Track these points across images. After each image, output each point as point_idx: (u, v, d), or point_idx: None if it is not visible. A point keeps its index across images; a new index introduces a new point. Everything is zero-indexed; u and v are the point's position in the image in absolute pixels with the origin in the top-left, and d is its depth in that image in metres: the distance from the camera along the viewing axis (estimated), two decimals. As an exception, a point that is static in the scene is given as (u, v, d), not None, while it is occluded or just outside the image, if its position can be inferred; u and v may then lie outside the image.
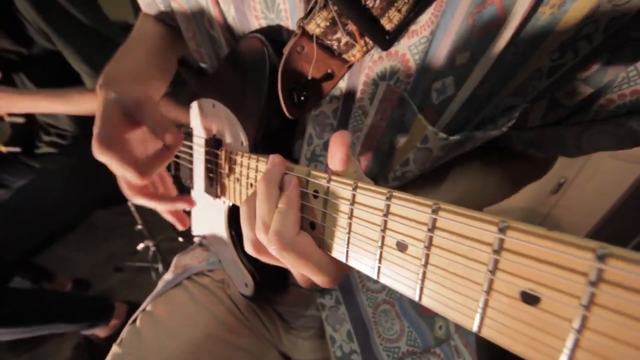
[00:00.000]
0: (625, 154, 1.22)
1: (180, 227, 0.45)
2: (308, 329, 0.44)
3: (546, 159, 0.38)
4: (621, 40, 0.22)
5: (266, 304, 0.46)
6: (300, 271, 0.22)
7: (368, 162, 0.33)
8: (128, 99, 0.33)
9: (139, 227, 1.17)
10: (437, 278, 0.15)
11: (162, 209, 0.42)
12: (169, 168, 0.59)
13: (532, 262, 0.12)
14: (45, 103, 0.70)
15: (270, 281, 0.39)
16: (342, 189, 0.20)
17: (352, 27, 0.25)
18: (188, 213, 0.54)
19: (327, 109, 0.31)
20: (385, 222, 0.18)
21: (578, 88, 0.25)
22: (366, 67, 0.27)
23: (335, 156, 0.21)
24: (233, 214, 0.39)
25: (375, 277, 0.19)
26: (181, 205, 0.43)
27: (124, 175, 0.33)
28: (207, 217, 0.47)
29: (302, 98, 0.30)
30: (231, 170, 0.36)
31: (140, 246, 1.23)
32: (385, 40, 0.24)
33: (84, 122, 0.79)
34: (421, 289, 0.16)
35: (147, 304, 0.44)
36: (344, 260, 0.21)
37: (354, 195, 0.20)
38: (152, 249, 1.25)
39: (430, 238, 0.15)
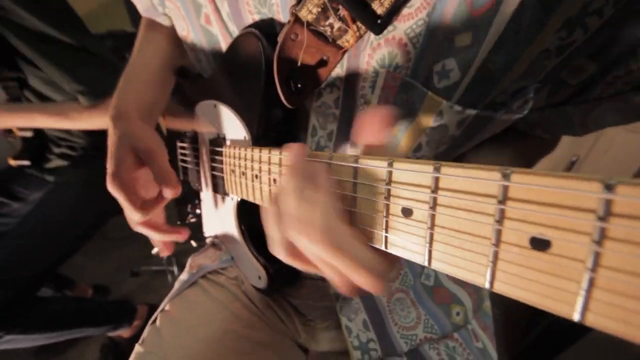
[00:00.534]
0: (638, 126, 1.19)
1: (164, 254, 0.47)
2: (324, 320, 0.44)
3: (553, 137, 0.38)
4: (628, 12, 0.21)
5: (280, 298, 0.46)
6: (348, 272, 0.18)
7: None
8: (141, 145, 0.37)
9: (156, 250, 1.20)
10: (444, 239, 0.16)
11: (158, 239, 0.44)
12: (177, 174, 0.60)
13: (538, 207, 0.12)
14: (42, 119, 0.70)
15: (283, 273, 0.40)
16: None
17: (343, 12, 0.25)
18: (199, 216, 0.55)
19: (328, 99, 0.31)
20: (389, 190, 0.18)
21: (583, 65, 0.25)
22: (366, 54, 0.27)
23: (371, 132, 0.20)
24: (242, 209, 0.40)
25: (383, 248, 0.19)
26: (176, 238, 0.44)
27: (129, 212, 0.38)
28: (217, 217, 0.48)
29: (299, 85, 0.31)
30: (235, 165, 0.36)
31: (154, 250, 1.25)
32: (377, 24, 0.24)
33: (93, 134, 0.81)
34: (430, 252, 0.16)
35: (165, 304, 0.46)
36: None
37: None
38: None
39: (435, 199, 0.15)
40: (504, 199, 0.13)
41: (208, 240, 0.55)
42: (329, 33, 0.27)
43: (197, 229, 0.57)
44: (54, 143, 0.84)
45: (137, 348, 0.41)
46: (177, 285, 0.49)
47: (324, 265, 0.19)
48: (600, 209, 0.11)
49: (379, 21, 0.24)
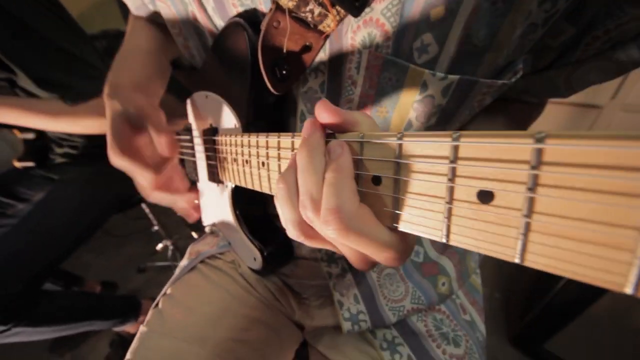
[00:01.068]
0: (636, 106, 1.20)
1: (194, 218, 0.48)
2: (318, 297, 0.46)
3: (542, 100, 0.39)
4: None
5: (276, 278, 0.48)
6: (364, 251, 0.18)
7: None
8: (132, 108, 0.37)
9: (156, 228, 1.22)
10: (410, 202, 0.17)
11: (178, 201, 0.45)
12: None
13: (483, 162, 0.14)
14: (24, 115, 0.68)
15: (277, 255, 0.41)
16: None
17: None
18: (197, 207, 0.57)
19: (314, 84, 0.32)
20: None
21: (561, 27, 0.26)
22: (348, 37, 0.28)
23: (325, 117, 0.20)
24: (236, 195, 0.41)
25: None
26: (194, 196, 0.46)
27: (140, 175, 0.37)
28: (214, 205, 0.49)
29: (285, 72, 0.32)
30: (227, 153, 0.38)
31: (159, 246, 1.29)
32: (355, 7, 0.25)
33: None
34: (398, 215, 0.18)
35: (166, 289, 0.48)
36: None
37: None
38: (171, 247, 1.31)
39: (398, 165, 0.17)
40: (454, 158, 0.14)
41: (207, 229, 0.57)
42: (310, 19, 0.28)
43: (197, 221, 0.58)
44: (55, 143, 0.86)
45: (141, 329, 0.43)
46: (177, 271, 0.51)
47: (338, 243, 0.19)
48: (533, 157, 0.12)
49: (357, 3, 0.25)
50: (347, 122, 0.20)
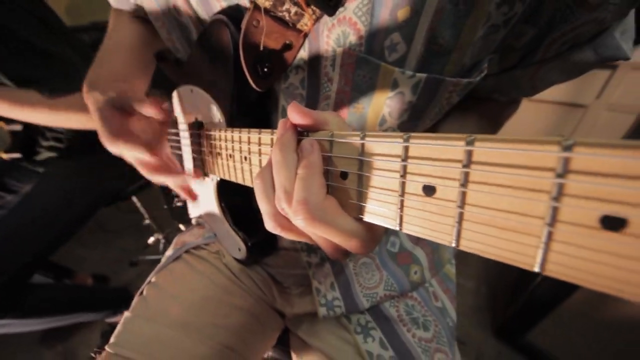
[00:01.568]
0: (620, 105, 1.23)
1: (192, 200, 0.49)
2: (298, 286, 0.48)
3: (512, 99, 0.40)
4: None
5: (259, 268, 0.50)
6: (332, 240, 0.20)
7: None
8: (113, 95, 0.38)
9: (147, 222, 1.23)
10: (369, 195, 0.18)
11: (175, 182, 0.46)
12: None
13: (428, 161, 0.15)
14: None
15: (261, 246, 0.43)
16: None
17: None
18: (184, 201, 0.58)
19: (294, 80, 0.33)
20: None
21: (523, 29, 0.28)
22: (324, 35, 0.28)
23: (296, 118, 0.21)
24: (221, 188, 0.43)
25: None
26: (190, 179, 0.47)
27: (137, 156, 0.39)
28: (200, 197, 0.50)
29: (266, 69, 0.33)
30: (212, 147, 0.38)
31: (151, 240, 1.29)
32: (329, 6, 0.26)
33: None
34: (362, 207, 0.19)
35: (151, 277, 0.49)
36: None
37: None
38: (162, 241, 1.31)
39: (361, 161, 0.18)
40: (405, 157, 0.16)
41: (193, 221, 0.58)
42: (287, 18, 0.29)
43: (185, 213, 0.59)
44: (42, 136, 0.86)
45: (126, 314, 0.44)
46: (163, 260, 0.52)
47: (309, 232, 0.21)
48: (464, 159, 0.13)
49: (330, 2, 0.26)
50: (317, 122, 0.22)
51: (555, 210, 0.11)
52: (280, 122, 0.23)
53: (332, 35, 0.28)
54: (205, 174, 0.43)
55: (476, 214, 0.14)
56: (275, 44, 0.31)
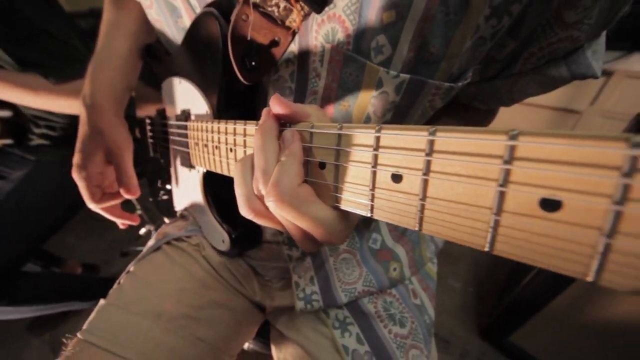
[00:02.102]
0: (613, 112, 1.25)
1: (120, 226, 0.52)
2: (279, 279, 0.48)
3: (490, 108, 0.41)
4: None
5: (241, 260, 0.50)
6: (301, 226, 0.21)
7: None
8: (112, 145, 0.42)
9: (139, 212, 1.22)
10: (344, 185, 0.19)
11: (113, 219, 0.49)
12: (147, 150, 0.62)
13: (396, 151, 0.16)
14: (4, 88, 0.67)
15: (245, 238, 0.43)
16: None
17: None
18: (170, 192, 0.58)
19: (284, 73, 0.33)
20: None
21: (505, 42, 0.29)
22: (314, 30, 0.29)
23: (277, 110, 0.22)
24: (207, 180, 0.43)
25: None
26: (127, 222, 0.51)
27: (83, 195, 0.44)
28: (186, 189, 0.51)
29: (254, 64, 0.33)
30: (199, 138, 0.39)
31: (142, 231, 1.28)
32: (317, 3, 0.26)
33: (71, 115, 0.82)
34: (337, 196, 0.20)
35: (130, 266, 0.49)
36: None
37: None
38: (154, 232, 1.30)
39: (337, 152, 0.19)
40: (376, 147, 0.16)
41: (178, 213, 0.58)
42: (276, 14, 0.29)
43: (169, 207, 0.59)
44: (33, 123, 0.85)
45: (101, 302, 0.43)
46: (144, 250, 0.52)
47: (282, 219, 0.21)
48: (427, 148, 0.14)
49: (318, 0, 0.26)
50: (298, 114, 0.22)
51: (501, 195, 0.12)
52: (264, 111, 0.24)
53: (321, 31, 0.28)
54: (192, 166, 0.44)
55: (436, 201, 0.14)
56: (264, 39, 0.31)
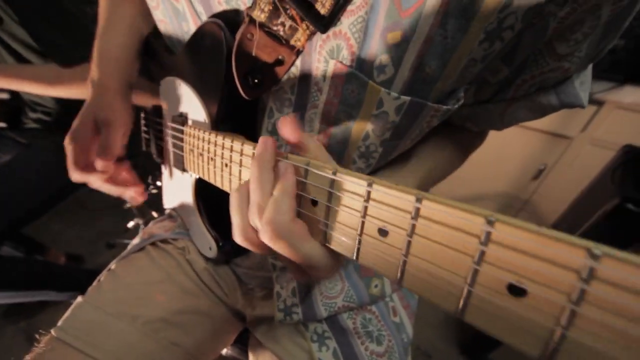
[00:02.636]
0: (603, 141, 1.28)
1: (138, 202, 0.50)
2: (262, 288, 0.49)
3: (481, 130, 0.43)
4: (527, 25, 0.25)
5: (226, 267, 0.50)
6: (293, 259, 0.22)
7: (329, 139, 0.34)
8: (102, 115, 0.42)
9: (129, 205, 1.21)
10: (334, 226, 0.20)
11: (126, 192, 0.47)
12: (140, 145, 0.62)
13: (385, 207, 0.16)
14: (19, 82, 0.68)
15: (232, 247, 0.43)
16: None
17: (292, 11, 0.27)
18: (160, 188, 0.58)
19: (285, 85, 0.33)
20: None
21: (498, 67, 0.30)
22: (318, 45, 0.29)
23: (285, 132, 0.23)
24: (199, 186, 0.43)
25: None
26: (140, 190, 0.48)
27: (69, 166, 0.43)
28: (176, 190, 0.50)
29: (257, 81, 0.33)
30: (194, 146, 0.39)
31: (131, 224, 1.27)
32: (322, 23, 0.26)
33: (67, 102, 0.80)
34: (327, 235, 0.20)
35: (112, 264, 0.48)
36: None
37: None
38: (142, 227, 1.29)
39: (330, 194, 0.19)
40: (367, 199, 0.17)
41: (167, 212, 0.58)
42: (281, 33, 0.29)
43: (159, 200, 0.59)
44: (29, 108, 0.83)
45: (78, 299, 0.43)
46: (128, 248, 0.52)
47: (277, 253, 0.22)
48: (413, 211, 0.15)
49: (323, 21, 0.26)
50: (302, 145, 0.24)
51: (475, 272, 0.12)
52: (261, 140, 0.24)
53: (325, 46, 0.28)
54: (184, 170, 0.44)
55: (417, 260, 0.15)
56: (268, 58, 0.32)
